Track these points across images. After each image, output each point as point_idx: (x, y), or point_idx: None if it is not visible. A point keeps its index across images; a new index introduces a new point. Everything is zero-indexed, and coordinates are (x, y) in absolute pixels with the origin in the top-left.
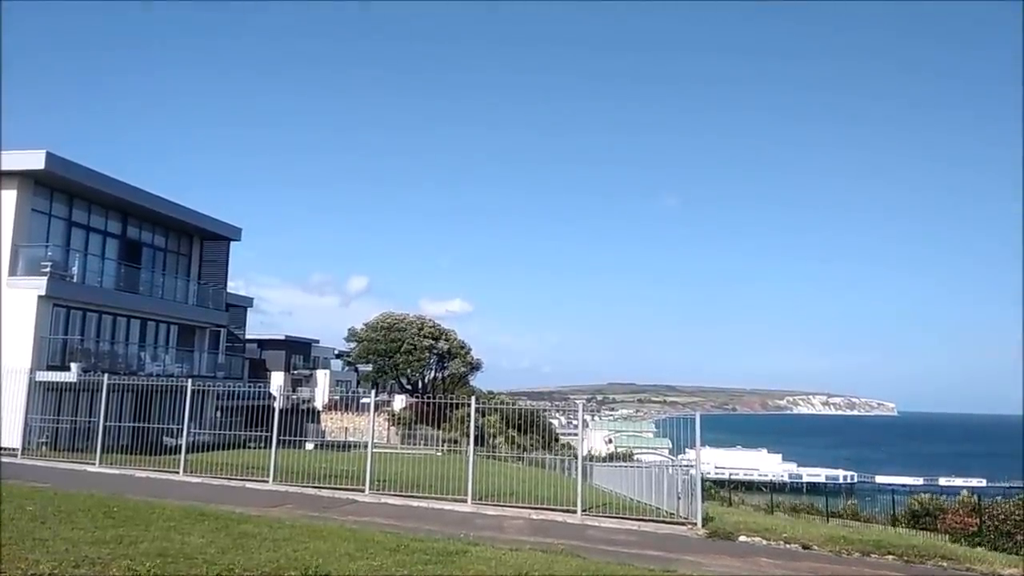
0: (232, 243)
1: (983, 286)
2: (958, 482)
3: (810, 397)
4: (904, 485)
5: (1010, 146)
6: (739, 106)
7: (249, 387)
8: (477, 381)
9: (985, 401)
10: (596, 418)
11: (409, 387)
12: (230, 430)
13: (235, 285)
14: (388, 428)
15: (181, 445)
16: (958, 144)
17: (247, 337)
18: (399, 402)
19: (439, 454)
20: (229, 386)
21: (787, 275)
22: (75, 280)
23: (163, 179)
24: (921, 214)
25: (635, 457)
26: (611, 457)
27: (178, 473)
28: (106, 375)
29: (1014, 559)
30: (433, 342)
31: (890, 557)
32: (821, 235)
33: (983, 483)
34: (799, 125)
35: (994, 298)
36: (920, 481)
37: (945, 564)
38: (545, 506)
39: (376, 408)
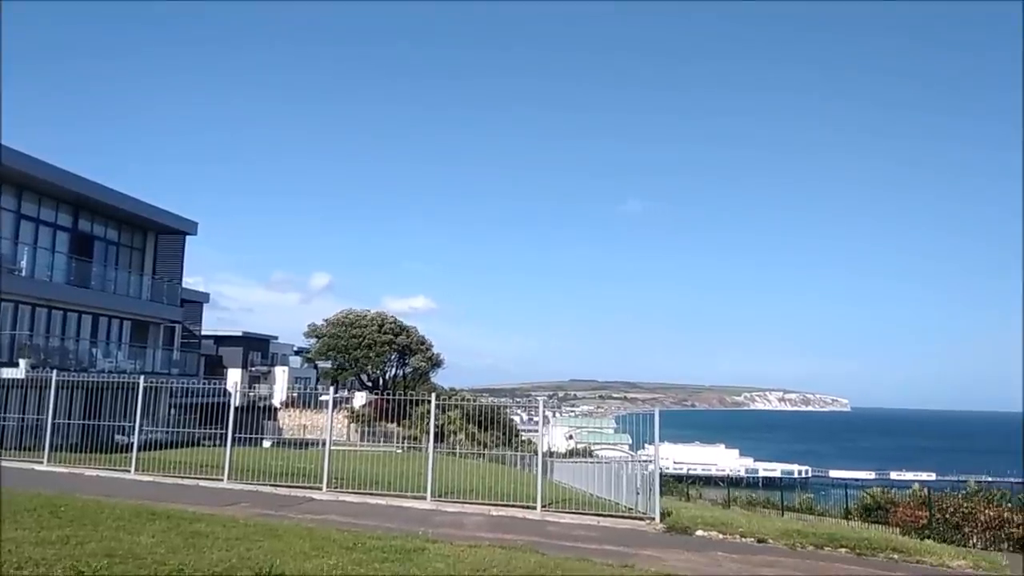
0: (189, 238)
1: (959, 287)
2: (908, 476)
3: (766, 393)
4: (856, 479)
5: (991, 147)
6: (702, 112)
7: (204, 384)
8: (439, 378)
9: (938, 396)
10: (557, 414)
11: (370, 384)
12: (185, 428)
13: (193, 281)
14: (348, 425)
15: (133, 443)
16: (937, 146)
17: (203, 333)
18: (359, 399)
19: (399, 451)
20: (184, 383)
21: (748, 277)
22: (24, 274)
23: (122, 176)
24: (886, 216)
25: (595, 453)
26: (572, 453)
27: (129, 472)
28: (55, 371)
29: (962, 551)
30: (393, 338)
31: (843, 550)
32: (781, 239)
33: (933, 477)
34: (768, 128)
35: (962, 298)
36: (872, 475)
37: (896, 556)
38: (505, 502)
39: (335, 405)
